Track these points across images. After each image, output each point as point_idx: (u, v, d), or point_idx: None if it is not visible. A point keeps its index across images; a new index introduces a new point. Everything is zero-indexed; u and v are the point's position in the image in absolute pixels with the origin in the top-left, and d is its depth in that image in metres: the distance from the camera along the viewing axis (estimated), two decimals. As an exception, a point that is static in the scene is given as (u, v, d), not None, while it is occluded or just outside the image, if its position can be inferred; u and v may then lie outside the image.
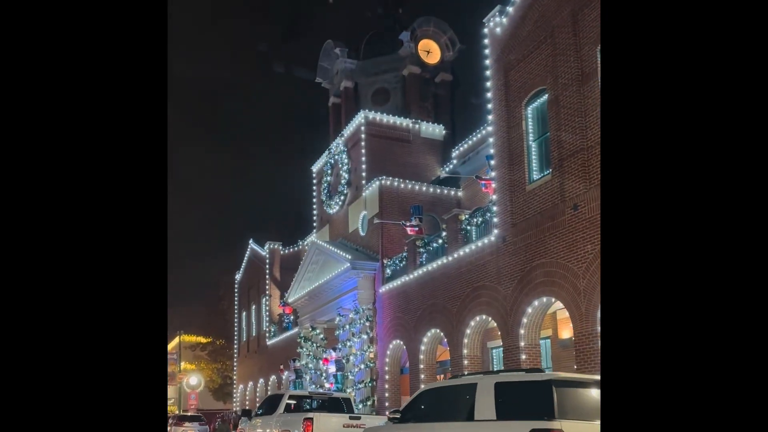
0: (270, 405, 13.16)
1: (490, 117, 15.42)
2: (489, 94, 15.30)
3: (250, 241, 38.16)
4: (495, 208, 14.78)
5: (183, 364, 50.55)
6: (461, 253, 16.05)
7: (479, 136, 20.40)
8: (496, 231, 14.67)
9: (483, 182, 15.89)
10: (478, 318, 15.52)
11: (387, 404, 20.11)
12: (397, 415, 7.93)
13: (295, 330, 28.25)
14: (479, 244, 15.30)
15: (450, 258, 16.57)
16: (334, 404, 12.88)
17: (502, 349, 19.01)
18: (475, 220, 16.00)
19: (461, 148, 21.60)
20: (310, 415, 10.92)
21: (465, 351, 15.88)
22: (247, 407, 35.88)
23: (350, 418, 11.22)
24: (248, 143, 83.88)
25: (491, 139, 15.26)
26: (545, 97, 13.41)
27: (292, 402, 12.78)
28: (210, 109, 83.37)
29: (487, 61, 15.37)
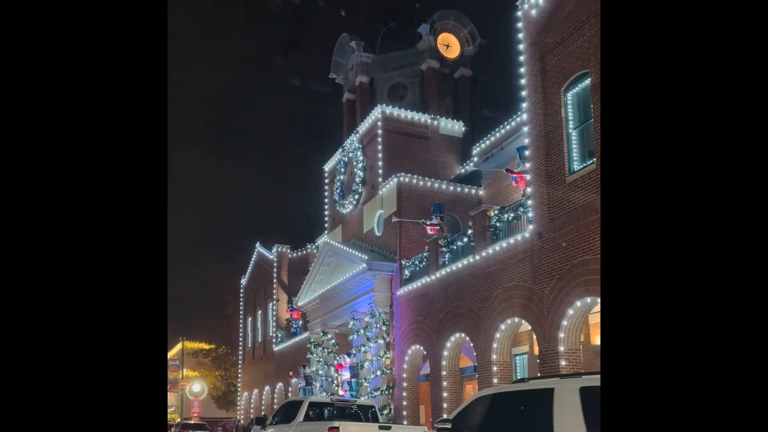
0: (287, 412, 12.07)
1: (524, 105, 14.40)
2: (523, 81, 14.29)
3: (257, 244, 37.17)
4: (530, 202, 13.74)
5: (185, 371, 49.37)
6: (490, 251, 15.00)
7: (503, 131, 19.35)
8: (530, 227, 13.62)
9: (514, 176, 14.86)
10: (509, 321, 14.44)
11: (405, 413, 19.01)
12: (447, 425, 6.84)
13: (304, 335, 27.18)
14: (511, 241, 14.24)
15: (477, 257, 15.52)
16: (358, 412, 11.78)
17: (526, 356, 18.02)
18: (505, 215, 14.95)
19: (482, 145, 20.53)
20: (335, 423, 9.83)
21: (494, 357, 14.79)
22: (252, 415, 34.74)
23: (380, 428, 10.13)
24: (252, 148, 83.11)
25: (525, 128, 14.24)
26: (587, 81, 12.40)
27: (312, 410, 11.68)
28: (211, 114, 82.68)
29: (521, 46, 14.39)
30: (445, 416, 10.62)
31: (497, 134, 19.63)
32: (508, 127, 19.01)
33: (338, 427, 9.69)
